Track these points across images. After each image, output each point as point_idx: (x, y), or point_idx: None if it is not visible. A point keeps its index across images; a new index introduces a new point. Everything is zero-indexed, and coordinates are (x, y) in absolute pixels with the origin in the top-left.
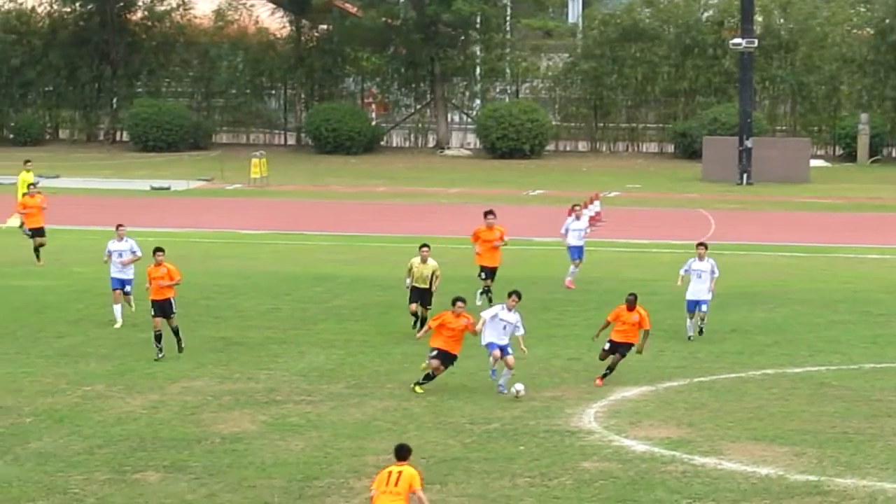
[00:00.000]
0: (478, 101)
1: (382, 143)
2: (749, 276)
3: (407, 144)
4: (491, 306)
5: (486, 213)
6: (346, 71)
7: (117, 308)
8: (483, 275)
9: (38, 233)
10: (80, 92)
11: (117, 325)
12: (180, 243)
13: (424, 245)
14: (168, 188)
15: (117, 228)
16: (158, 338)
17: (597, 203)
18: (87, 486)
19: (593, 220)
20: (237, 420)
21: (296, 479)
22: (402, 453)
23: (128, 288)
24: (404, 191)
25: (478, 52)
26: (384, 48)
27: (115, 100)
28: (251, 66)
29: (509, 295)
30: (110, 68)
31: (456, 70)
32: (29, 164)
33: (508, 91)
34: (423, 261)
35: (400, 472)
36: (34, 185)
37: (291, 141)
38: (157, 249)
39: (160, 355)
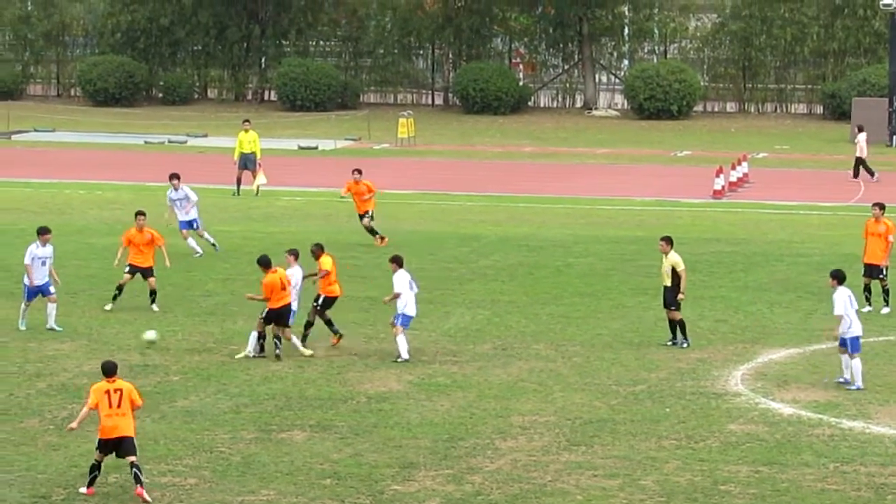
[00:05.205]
0: (626, 62)
1: (530, 103)
2: None
3: (555, 105)
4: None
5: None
6: (494, 31)
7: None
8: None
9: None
10: (228, 51)
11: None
12: (328, 202)
13: (665, 238)
14: (316, 147)
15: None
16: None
17: (744, 164)
18: (233, 445)
19: (741, 182)
20: (383, 380)
21: (441, 439)
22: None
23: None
24: (551, 151)
25: (626, 12)
26: (532, 7)
27: (263, 59)
28: (399, 26)
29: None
30: (259, 27)
31: (604, 30)
32: (248, 123)
33: (657, 51)
34: (665, 254)
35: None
36: (359, 171)
37: (439, 101)
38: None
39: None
